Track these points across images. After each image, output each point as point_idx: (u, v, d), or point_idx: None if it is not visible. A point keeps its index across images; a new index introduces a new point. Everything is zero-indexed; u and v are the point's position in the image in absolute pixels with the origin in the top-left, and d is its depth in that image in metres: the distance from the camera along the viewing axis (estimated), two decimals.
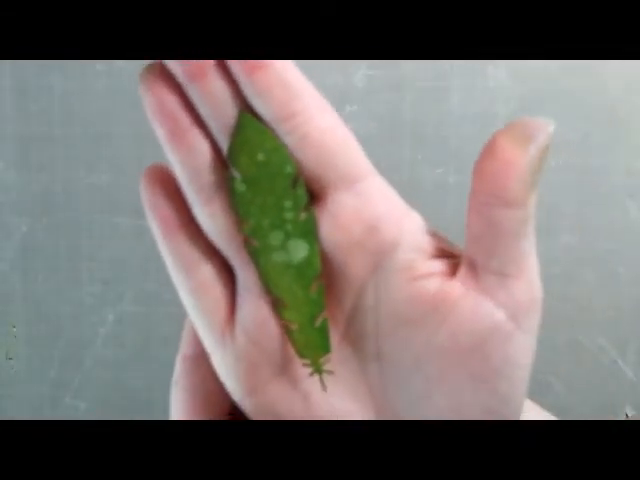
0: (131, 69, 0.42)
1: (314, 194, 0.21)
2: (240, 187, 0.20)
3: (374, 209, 0.20)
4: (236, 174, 0.20)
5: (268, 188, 0.20)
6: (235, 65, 0.21)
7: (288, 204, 0.20)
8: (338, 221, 0.20)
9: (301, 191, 0.20)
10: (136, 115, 0.43)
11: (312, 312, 0.21)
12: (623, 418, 0.42)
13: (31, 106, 0.43)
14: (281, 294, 0.21)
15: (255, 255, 0.20)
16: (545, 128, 0.19)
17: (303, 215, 0.20)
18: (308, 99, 0.21)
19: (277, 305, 0.21)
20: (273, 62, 0.22)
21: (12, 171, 0.43)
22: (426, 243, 0.21)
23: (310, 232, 0.20)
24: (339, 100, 0.42)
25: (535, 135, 0.19)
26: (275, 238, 0.21)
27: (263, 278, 0.21)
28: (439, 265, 0.20)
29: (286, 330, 0.21)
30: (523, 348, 0.21)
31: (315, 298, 0.21)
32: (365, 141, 0.42)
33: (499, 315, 0.20)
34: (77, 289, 0.43)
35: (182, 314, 0.42)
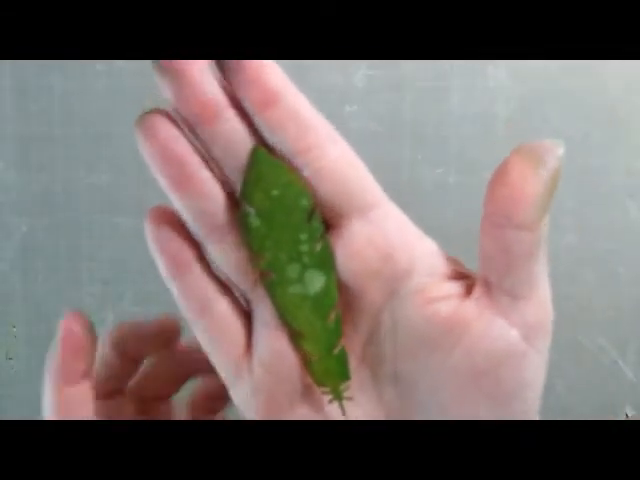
0: (131, 69, 0.42)
1: (329, 222, 0.21)
2: (255, 222, 0.20)
3: (388, 237, 0.21)
4: (250, 209, 0.20)
5: (283, 222, 0.20)
6: (246, 102, 0.21)
7: (304, 237, 0.20)
8: (353, 249, 0.20)
9: (317, 223, 0.20)
10: (136, 115, 0.43)
11: (331, 341, 0.21)
12: (623, 418, 0.42)
13: (31, 106, 0.43)
14: (299, 326, 0.21)
15: (272, 289, 0.20)
16: (555, 151, 0.20)
17: (319, 246, 0.20)
18: (320, 131, 0.21)
19: (295, 337, 0.21)
20: (285, 96, 0.21)
21: (12, 171, 0.43)
22: (440, 266, 0.21)
23: (327, 262, 0.20)
24: (339, 100, 0.42)
25: (545, 158, 0.20)
26: (292, 271, 0.20)
27: (280, 311, 0.21)
28: (453, 287, 0.21)
29: (305, 361, 0.21)
30: (536, 368, 0.21)
31: (333, 327, 0.21)
32: (365, 141, 0.42)
33: (512, 335, 0.20)
34: (77, 289, 0.43)
35: (181, 314, 0.42)
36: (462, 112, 0.42)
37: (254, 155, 0.20)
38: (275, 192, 0.20)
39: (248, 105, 0.21)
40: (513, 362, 0.20)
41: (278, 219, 0.20)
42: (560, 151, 0.20)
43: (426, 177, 0.42)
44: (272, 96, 0.21)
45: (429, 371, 0.21)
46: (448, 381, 0.21)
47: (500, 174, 0.21)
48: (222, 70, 0.23)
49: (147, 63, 0.46)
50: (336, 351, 0.21)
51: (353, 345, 0.21)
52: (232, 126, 0.21)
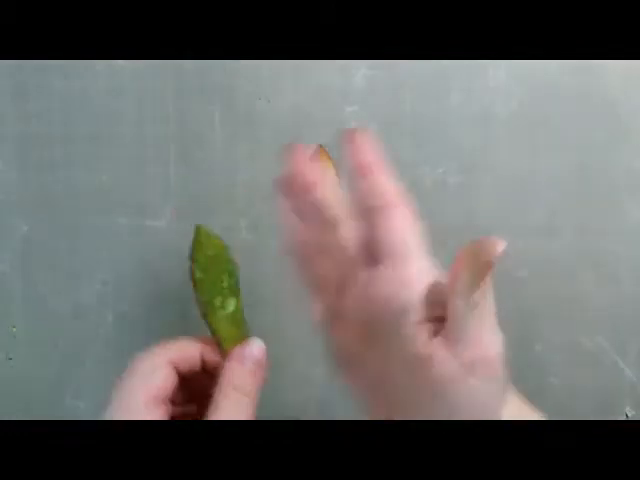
0: (131, 69, 0.42)
1: (367, 257, 0.30)
2: (198, 274, 0.33)
3: (410, 292, 0.28)
4: (195, 266, 0.33)
5: (215, 273, 0.34)
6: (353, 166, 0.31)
7: (226, 280, 0.34)
8: (377, 292, 0.29)
9: (235, 279, 0.35)
10: (136, 115, 0.43)
11: (242, 339, 0.33)
12: (623, 418, 0.42)
13: (31, 106, 0.43)
14: (223, 333, 0.33)
15: (207, 314, 0.33)
16: (493, 248, 0.26)
17: (233, 281, 0.34)
18: (395, 197, 0.30)
19: (220, 341, 0.33)
20: (378, 169, 0.31)
21: (12, 171, 0.43)
22: (429, 312, 0.28)
23: (236, 292, 0.35)
24: (339, 100, 0.42)
25: (478, 254, 0.26)
26: (218, 301, 0.34)
27: (212, 326, 0.33)
28: (428, 327, 0.28)
29: (222, 353, 0.33)
30: (476, 393, 0.28)
31: (243, 330, 0.34)
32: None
33: (453, 365, 0.27)
34: (77, 289, 0.43)
35: (181, 314, 0.42)
36: (462, 112, 0.42)
37: (197, 231, 0.34)
38: (210, 252, 0.34)
39: (353, 168, 0.31)
40: (454, 386, 0.27)
41: (212, 271, 0.34)
42: (498, 249, 0.26)
43: (426, 177, 0.42)
44: (370, 163, 0.31)
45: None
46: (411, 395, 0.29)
47: (457, 255, 0.27)
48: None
49: (147, 63, 0.46)
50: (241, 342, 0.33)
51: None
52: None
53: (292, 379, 0.43)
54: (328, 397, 0.43)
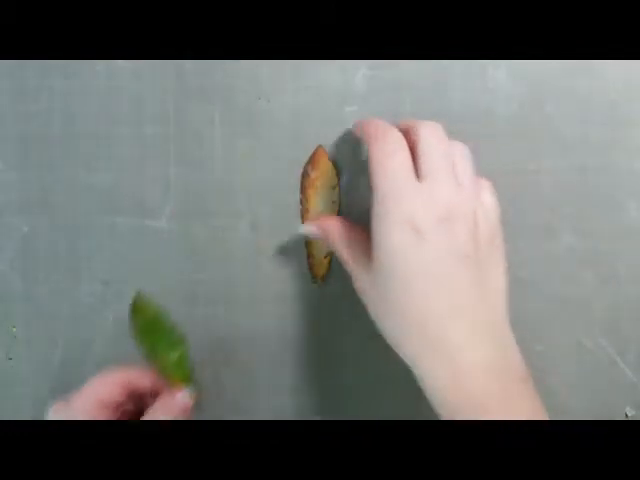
0: (131, 69, 0.42)
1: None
2: (137, 334, 0.37)
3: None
4: (136, 328, 0.37)
5: (155, 333, 0.37)
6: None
7: (163, 339, 0.37)
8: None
9: (177, 332, 0.37)
10: (136, 115, 0.43)
11: (185, 378, 0.37)
12: (623, 418, 0.42)
13: (31, 106, 0.43)
14: (168, 376, 0.37)
15: (149, 361, 0.37)
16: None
17: (175, 336, 0.37)
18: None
19: (168, 380, 0.37)
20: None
21: (12, 171, 0.43)
22: None
23: (180, 343, 0.37)
24: (339, 100, 0.42)
25: None
26: (162, 348, 0.37)
27: (158, 369, 0.37)
28: None
29: (173, 385, 0.37)
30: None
31: (187, 372, 0.37)
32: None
33: None
34: (77, 289, 0.43)
35: (181, 314, 0.42)
36: (462, 112, 0.42)
37: (136, 299, 0.37)
38: (149, 316, 0.37)
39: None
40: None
41: (151, 332, 0.37)
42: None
43: None
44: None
45: None
46: None
47: None
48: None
49: (147, 63, 0.46)
50: (188, 382, 0.37)
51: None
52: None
53: (292, 379, 0.43)
54: (326, 398, 0.43)
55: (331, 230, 0.37)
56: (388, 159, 0.34)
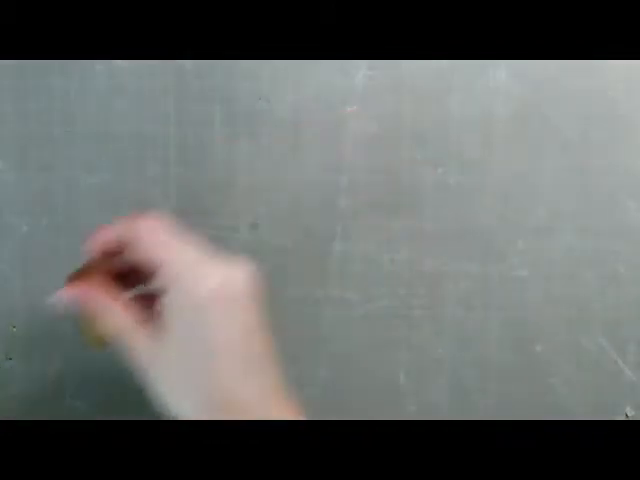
0: (131, 69, 0.42)
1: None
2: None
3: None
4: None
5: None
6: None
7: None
8: None
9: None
10: (136, 115, 0.43)
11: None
12: (623, 418, 0.42)
13: (31, 106, 0.43)
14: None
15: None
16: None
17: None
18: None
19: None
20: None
21: (12, 171, 0.43)
22: None
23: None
24: (339, 100, 0.42)
25: None
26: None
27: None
28: None
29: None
30: None
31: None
32: (365, 141, 0.42)
33: None
34: None
35: None
36: (462, 112, 0.42)
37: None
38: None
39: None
40: None
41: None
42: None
43: (426, 177, 0.42)
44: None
45: None
46: None
47: None
48: None
49: (147, 63, 0.46)
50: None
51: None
52: None
53: (293, 379, 0.43)
54: (328, 397, 0.43)
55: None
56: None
